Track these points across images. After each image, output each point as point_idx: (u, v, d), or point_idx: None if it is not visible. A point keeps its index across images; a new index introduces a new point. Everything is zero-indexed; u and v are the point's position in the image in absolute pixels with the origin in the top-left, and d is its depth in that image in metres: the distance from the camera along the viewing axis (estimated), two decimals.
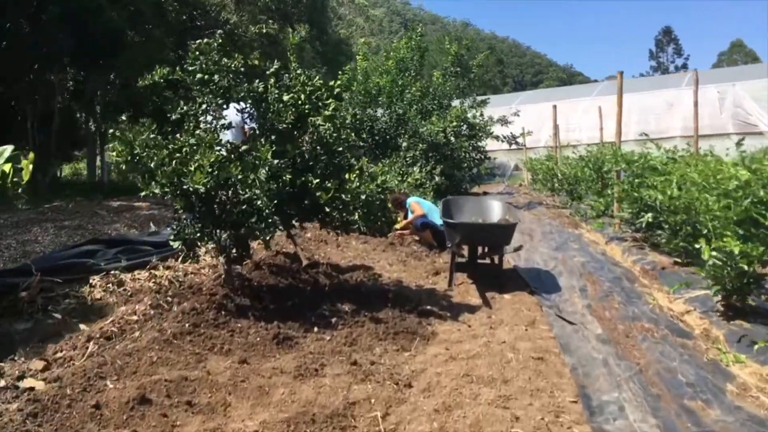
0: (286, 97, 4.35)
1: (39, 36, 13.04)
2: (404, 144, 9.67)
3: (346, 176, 4.33)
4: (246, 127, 4.77)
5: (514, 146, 12.93)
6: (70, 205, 9.96)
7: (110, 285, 4.33)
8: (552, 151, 15.94)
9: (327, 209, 4.56)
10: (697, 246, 4.61)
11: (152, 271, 4.76)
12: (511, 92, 47.55)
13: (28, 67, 14.02)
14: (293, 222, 4.94)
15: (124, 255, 4.87)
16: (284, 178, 4.20)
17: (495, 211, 5.93)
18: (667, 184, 6.03)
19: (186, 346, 3.41)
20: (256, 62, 4.52)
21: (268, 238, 4.02)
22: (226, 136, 4.77)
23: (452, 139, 11.80)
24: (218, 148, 4.11)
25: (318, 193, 4.30)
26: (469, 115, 12.00)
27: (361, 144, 12.56)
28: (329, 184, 4.34)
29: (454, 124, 11.65)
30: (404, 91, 12.27)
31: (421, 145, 11.55)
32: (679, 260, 6.28)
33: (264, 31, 21.03)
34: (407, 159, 11.97)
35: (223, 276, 4.55)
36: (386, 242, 7.33)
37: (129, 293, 4.30)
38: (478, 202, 6.17)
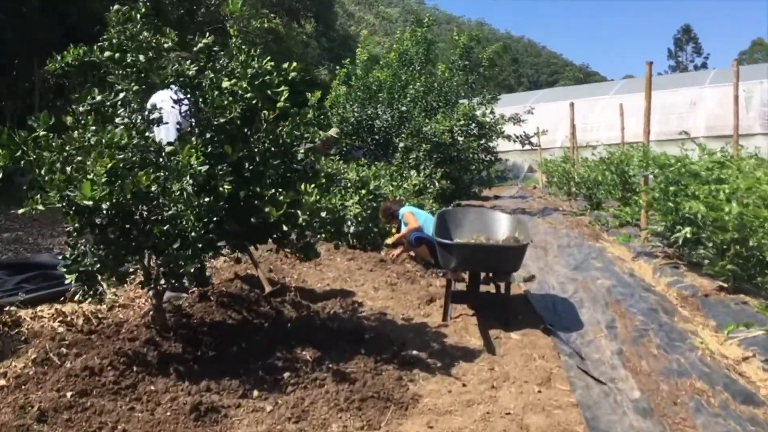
0: (225, 84, 3.34)
1: (21, 28, 12.20)
2: (401, 144, 8.58)
3: (303, 187, 3.30)
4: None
5: (527, 147, 11.84)
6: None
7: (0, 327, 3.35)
8: (569, 152, 14.83)
9: (283, 228, 3.55)
10: (754, 274, 3.57)
11: (62, 305, 3.75)
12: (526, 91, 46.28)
13: (10, 62, 13.21)
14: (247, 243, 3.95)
15: (33, 283, 3.89)
16: (222, 189, 3.19)
17: (502, 227, 4.87)
18: (713, 193, 4.95)
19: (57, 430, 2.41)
20: (174, 39, 3.47)
21: (192, 269, 3.01)
22: (162, 134, 3.79)
23: (459, 139, 10.76)
24: (137, 149, 3.12)
25: (267, 209, 3.28)
26: (478, 112, 10.94)
27: (360, 145, 11.58)
28: (282, 197, 3.32)
29: (462, 122, 10.60)
30: (407, 86, 11.24)
31: (424, 145, 10.51)
32: (725, 285, 5.20)
33: (266, 25, 20.11)
34: (409, 161, 10.94)
35: (151, 312, 3.57)
36: (377, 258, 6.32)
37: (23, 337, 3.32)
38: (481, 216, 5.11)
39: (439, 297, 4.91)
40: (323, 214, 3.35)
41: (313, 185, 3.33)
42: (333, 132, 9.48)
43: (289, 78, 3.49)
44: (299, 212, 3.34)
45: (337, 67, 11.74)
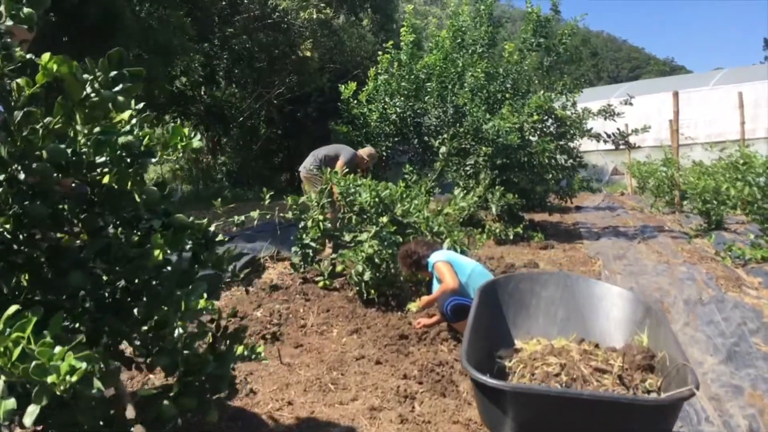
0: None
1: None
2: (443, 148, 6.10)
3: None
4: None
5: (623, 147, 9.16)
6: None
7: None
8: (669, 152, 11.95)
9: None
10: None
11: None
12: (608, 85, 42.30)
13: None
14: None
15: None
16: None
17: (611, 321, 2.43)
18: None
19: None
20: None
21: None
22: None
23: (531, 138, 8.26)
24: None
25: None
26: (557, 104, 8.38)
27: (405, 148, 9.27)
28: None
29: (535, 117, 8.09)
30: (464, 73, 8.82)
31: (484, 148, 8.08)
32: None
33: (314, 16, 18.15)
34: (466, 168, 8.54)
35: None
36: (396, 330, 4.02)
37: None
38: (565, 292, 2.67)
39: None
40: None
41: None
42: (365, 153, 7.08)
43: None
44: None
45: (379, 53, 9.47)
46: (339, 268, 4.67)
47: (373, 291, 4.58)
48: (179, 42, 13.14)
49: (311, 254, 4.96)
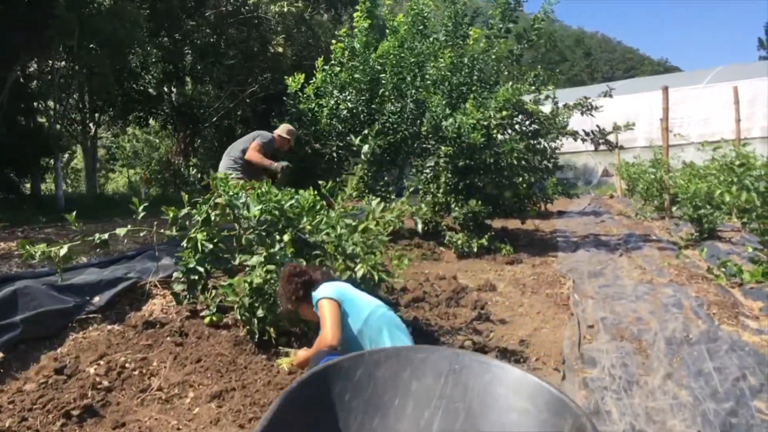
0: None
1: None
2: (365, 147, 4.90)
3: None
4: None
5: (602, 146, 8.12)
6: None
7: None
8: (659, 152, 10.98)
9: None
10: None
11: None
12: (599, 84, 41.27)
13: None
14: None
15: None
16: None
17: None
18: None
19: None
20: None
21: None
22: None
23: (499, 137, 7.23)
24: None
25: None
26: (528, 98, 7.34)
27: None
28: None
29: (504, 113, 7.05)
30: (424, 64, 7.80)
31: (444, 148, 7.07)
32: None
33: (285, 10, 17.09)
34: (426, 171, 7.51)
35: None
36: (281, 391, 2.98)
37: None
38: (459, 385, 1.67)
39: None
40: None
41: None
42: (283, 131, 6.41)
43: None
44: None
45: (333, 42, 8.43)
46: (230, 298, 3.62)
47: (271, 330, 3.55)
48: (129, 34, 12.06)
49: (199, 281, 3.92)
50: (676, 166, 10.62)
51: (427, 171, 7.46)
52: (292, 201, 3.86)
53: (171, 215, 3.86)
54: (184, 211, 3.84)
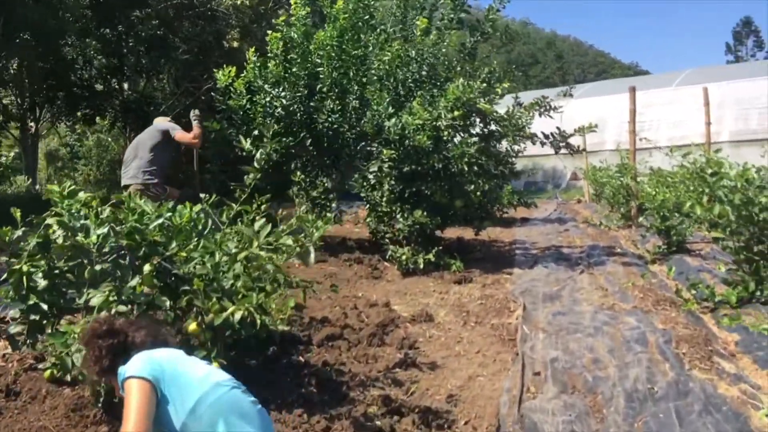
0: None
1: None
2: (260, 152, 4.01)
3: None
4: None
5: (564, 150, 7.40)
6: None
7: None
8: (626, 157, 10.39)
9: None
10: None
11: None
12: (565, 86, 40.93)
13: None
14: None
15: None
16: None
17: None
18: None
19: None
20: None
21: None
22: None
23: (448, 140, 6.48)
24: None
25: None
26: (481, 99, 6.55)
27: (297, 151, 7.38)
28: None
29: (456, 113, 6.28)
30: (365, 57, 7.01)
31: (386, 151, 6.29)
32: None
33: (238, 2, 16.16)
34: (368, 178, 6.72)
35: None
36: None
37: None
38: None
39: None
40: None
41: None
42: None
43: None
44: None
45: (269, 32, 7.58)
46: (60, 351, 2.77)
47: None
48: (60, 24, 11.02)
49: (42, 322, 3.06)
50: (643, 172, 10.03)
51: (370, 177, 6.67)
52: (161, 220, 3.03)
53: (6, 238, 2.99)
54: (18, 232, 2.98)
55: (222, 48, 17.12)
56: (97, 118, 18.96)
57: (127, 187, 5.62)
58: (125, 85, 19.07)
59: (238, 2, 16.23)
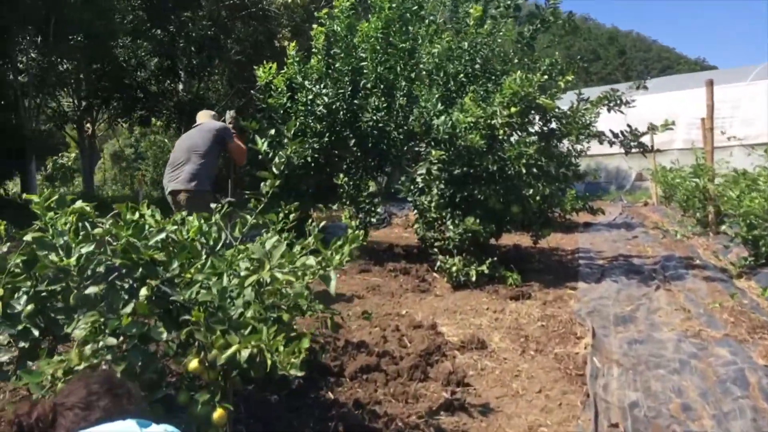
0: None
1: None
2: (278, 157, 3.51)
3: None
4: None
5: (635, 150, 6.62)
6: None
7: None
8: (703, 157, 9.45)
9: None
10: None
11: None
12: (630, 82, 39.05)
13: None
14: None
15: None
16: None
17: None
18: None
19: None
20: None
21: None
22: None
23: (502, 137, 5.86)
24: None
25: None
26: (541, 94, 5.89)
27: (339, 152, 6.91)
28: None
29: (513, 110, 5.66)
30: (413, 51, 6.46)
31: (435, 152, 5.72)
32: None
33: (290, 1, 15.90)
34: (416, 181, 6.17)
35: None
36: None
37: None
38: None
39: None
40: None
41: None
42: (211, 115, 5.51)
43: None
44: None
45: (313, 26, 7.14)
46: (34, 393, 2.36)
47: None
48: (108, 25, 10.98)
49: (34, 350, 2.67)
50: (720, 172, 9.07)
51: (418, 180, 6.11)
52: (163, 235, 2.58)
53: None
54: (3, 248, 2.59)
55: (273, 47, 16.96)
56: (152, 119, 19.18)
57: (175, 192, 5.15)
58: (179, 87, 19.18)
59: (290, 1, 15.96)
